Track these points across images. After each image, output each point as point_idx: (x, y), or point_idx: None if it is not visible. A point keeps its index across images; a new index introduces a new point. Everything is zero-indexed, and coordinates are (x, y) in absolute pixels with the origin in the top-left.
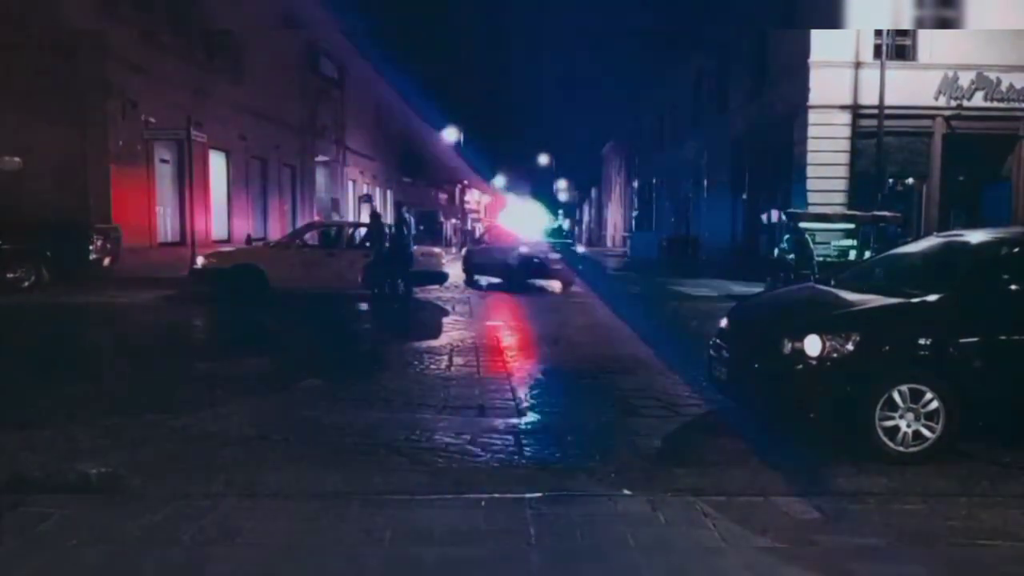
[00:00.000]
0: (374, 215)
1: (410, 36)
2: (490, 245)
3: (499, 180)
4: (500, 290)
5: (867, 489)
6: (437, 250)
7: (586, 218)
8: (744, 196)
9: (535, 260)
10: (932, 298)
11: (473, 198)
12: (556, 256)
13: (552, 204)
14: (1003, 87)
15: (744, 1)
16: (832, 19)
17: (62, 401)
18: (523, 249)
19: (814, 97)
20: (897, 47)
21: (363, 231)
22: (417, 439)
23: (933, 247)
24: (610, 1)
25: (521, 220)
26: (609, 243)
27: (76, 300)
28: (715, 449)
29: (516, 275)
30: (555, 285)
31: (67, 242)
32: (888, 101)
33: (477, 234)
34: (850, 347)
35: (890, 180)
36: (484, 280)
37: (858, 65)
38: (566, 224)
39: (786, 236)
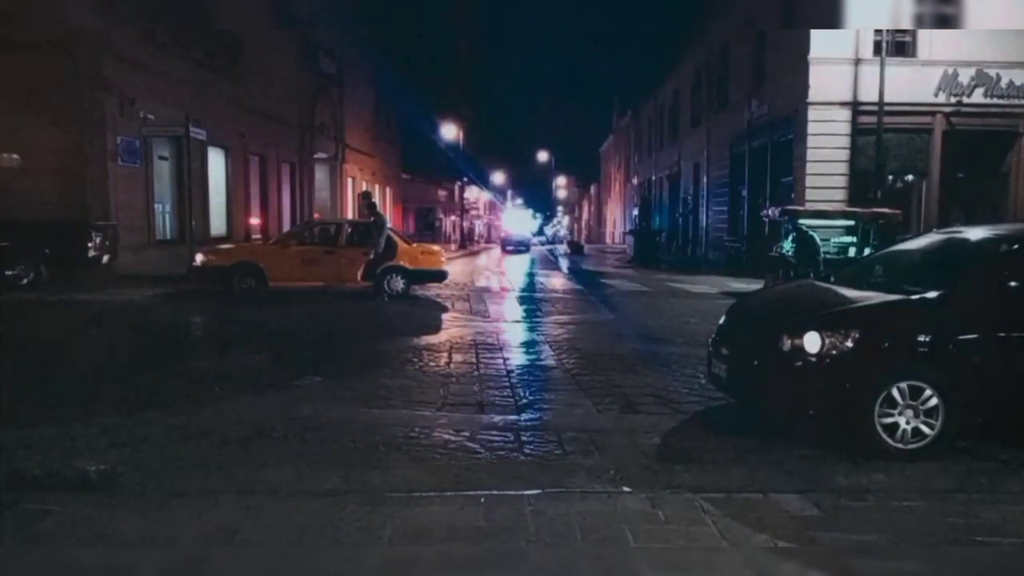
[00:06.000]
0: (372, 207)
1: (410, 34)
2: (508, 236)
3: (497, 177)
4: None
5: (866, 486)
6: (436, 248)
7: (585, 215)
8: (744, 193)
9: (521, 243)
10: (932, 295)
11: (472, 195)
12: (532, 240)
13: (542, 207)
14: (1003, 84)
15: (744, 1)
16: (832, 19)
17: (61, 399)
18: (516, 239)
19: (814, 94)
20: (897, 44)
21: (363, 228)
22: (416, 436)
23: (933, 244)
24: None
25: (516, 221)
26: (608, 240)
27: (75, 298)
28: (714, 446)
29: (516, 247)
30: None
31: (66, 240)
32: (888, 98)
33: (479, 231)
34: (849, 344)
35: (890, 177)
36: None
37: (858, 62)
38: (547, 227)
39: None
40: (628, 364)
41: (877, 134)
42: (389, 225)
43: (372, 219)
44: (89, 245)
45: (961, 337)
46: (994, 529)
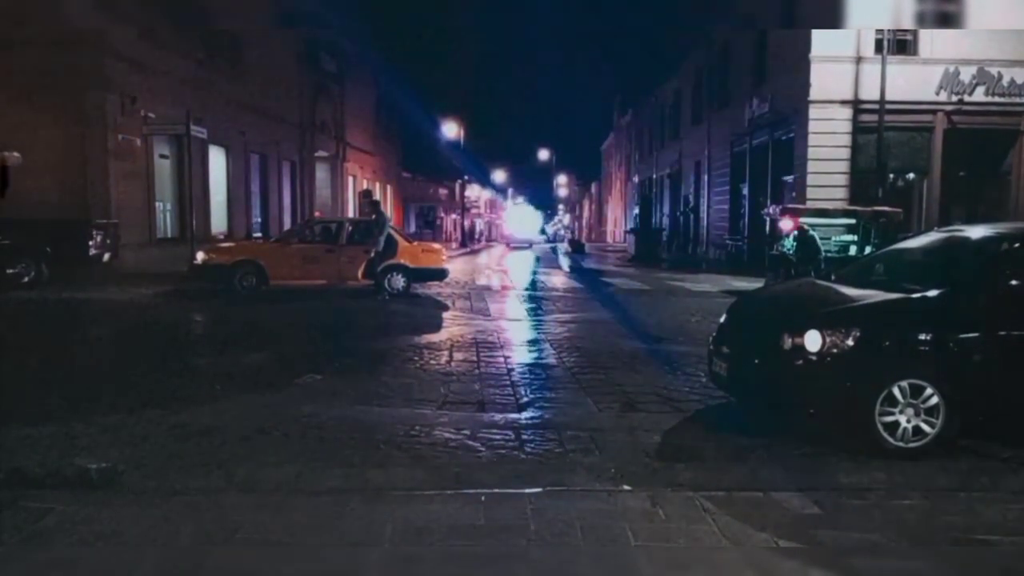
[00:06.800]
0: (375, 205)
1: (410, 32)
2: (511, 234)
3: (498, 176)
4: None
5: (867, 484)
6: (437, 246)
7: (586, 214)
8: (745, 191)
9: (525, 241)
10: (932, 294)
11: (473, 193)
12: (535, 239)
13: (543, 206)
14: (1004, 82)
15: (745, 0)
16: (833, 19)
17: (62, 397)
18: (520, 238)
19: (815, 92)
20: (898, 42)
21: (363, 226)
22: (417, 434)
23: (934, 243)
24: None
25: (519, 220)
26: (609, 239)
27: (76, 296)
28: (715, 445)
29: (520, 244)
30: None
31: (67, 238)
32: (889, 96)
33: (480, 230)
34: (850, 343)
35: (891, 175)
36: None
37: (859, 60)
38: (548, 226)
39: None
40: (629, 363)
41: (878, 132)
42: (390, 223)
43: (374, 217)
44: (90, 243)
45: (962, 336)
46: (995, 528)
